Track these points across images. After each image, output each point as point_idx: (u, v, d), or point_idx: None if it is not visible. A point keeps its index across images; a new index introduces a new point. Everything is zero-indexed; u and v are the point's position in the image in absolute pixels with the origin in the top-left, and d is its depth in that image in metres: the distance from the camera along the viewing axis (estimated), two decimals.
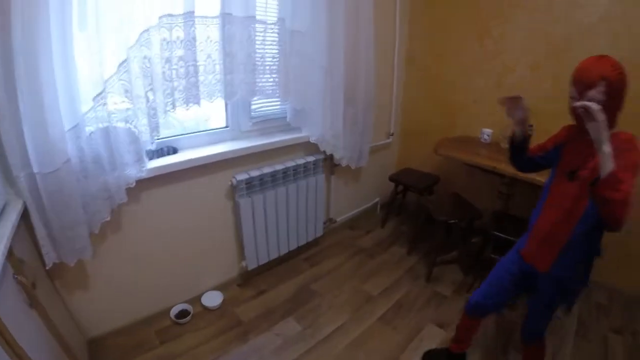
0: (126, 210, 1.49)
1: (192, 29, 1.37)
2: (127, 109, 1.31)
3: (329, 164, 2.35)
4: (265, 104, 1.98)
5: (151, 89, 1.34)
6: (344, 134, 2.19)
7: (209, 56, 1.49)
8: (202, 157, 1.63)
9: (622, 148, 0.93)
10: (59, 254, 1.26)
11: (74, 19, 1.10)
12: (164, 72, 1.36)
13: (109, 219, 1.37)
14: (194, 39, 1.39)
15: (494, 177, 2.12)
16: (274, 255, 2.11)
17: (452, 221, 2.06)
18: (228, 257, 1.99)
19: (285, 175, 2.00)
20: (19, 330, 0.85)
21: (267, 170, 1.90)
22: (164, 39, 1.32)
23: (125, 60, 1.23)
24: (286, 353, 1.62)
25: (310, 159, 2.11)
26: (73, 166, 1.20)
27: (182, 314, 1.76)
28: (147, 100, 1.34)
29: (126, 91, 1.27)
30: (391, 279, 2.17)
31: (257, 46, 1.64)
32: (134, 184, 1.41)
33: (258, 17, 1.59)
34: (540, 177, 1.60)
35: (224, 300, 1.88)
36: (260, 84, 1.72)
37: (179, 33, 1.34)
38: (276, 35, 1.72)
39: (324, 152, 2.17)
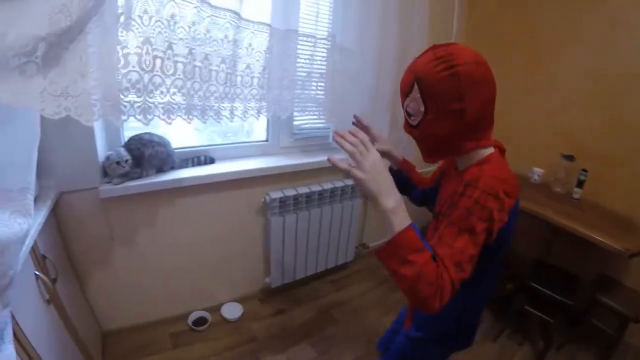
0: (160, 213, 1.54)
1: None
2: None
3: None
4: (309, 121, 1.91)
5: None
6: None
7: (247, 66, 1.37)
8: (237, 171, 1.62)
9: (460, 192, 0.66)
10: None
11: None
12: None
13: None
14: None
15: (539, 221, 1.80)
16: (300, 275, 2.04)
17: None
18: (253, 271, 1.96)
19: (321, 197, 1.91)
20: (31, 326, 0.87)
21: (302, 190, 1.83)
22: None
23: None
24: None
25: (349, 182, 1.99)
26: None
27: (200, 321, 1.77)
28: None
29: None
30: None
31: (302, 62, 1.56)
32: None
33: (307, 31, 1.51)
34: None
35: (242, 314, 1.85)
36: (302, 103, 1.65)
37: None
38: (325, 51, 1.63)
39: None
